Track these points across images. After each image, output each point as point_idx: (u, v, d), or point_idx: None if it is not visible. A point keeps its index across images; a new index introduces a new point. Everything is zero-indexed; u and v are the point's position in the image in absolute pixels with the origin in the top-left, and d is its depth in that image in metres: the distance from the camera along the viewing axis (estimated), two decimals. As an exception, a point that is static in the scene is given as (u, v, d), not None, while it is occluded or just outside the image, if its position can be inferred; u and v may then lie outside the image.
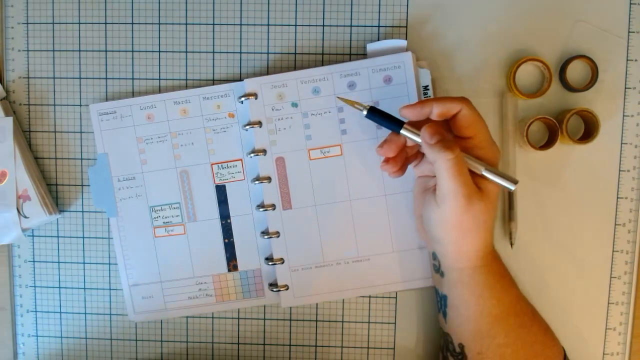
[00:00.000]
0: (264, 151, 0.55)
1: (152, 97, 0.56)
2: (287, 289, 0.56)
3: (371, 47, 0.55)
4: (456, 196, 0.46)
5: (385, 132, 0.53)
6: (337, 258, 0.55)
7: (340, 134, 0.55)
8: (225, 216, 0.57)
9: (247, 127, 0.55)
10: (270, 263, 0.55)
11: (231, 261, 0.57)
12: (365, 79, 0.54)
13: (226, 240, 0.57)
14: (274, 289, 0.56)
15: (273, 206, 0.55)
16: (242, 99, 0.55)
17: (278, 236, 0.55)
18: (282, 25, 0.56)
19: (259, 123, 0.55)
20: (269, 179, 0.55)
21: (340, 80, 0.54)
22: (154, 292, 0.57)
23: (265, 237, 0.55)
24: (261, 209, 0.55)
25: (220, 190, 0.56)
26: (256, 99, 0.55)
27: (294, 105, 0.55)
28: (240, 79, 0.57)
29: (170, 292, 0.57)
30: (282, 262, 0.55)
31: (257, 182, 0.55)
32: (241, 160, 0.56)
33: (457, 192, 0.46)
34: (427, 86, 0.54)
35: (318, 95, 0.54)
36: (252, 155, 0.55)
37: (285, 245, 0.55)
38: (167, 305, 0.57)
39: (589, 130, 0.55)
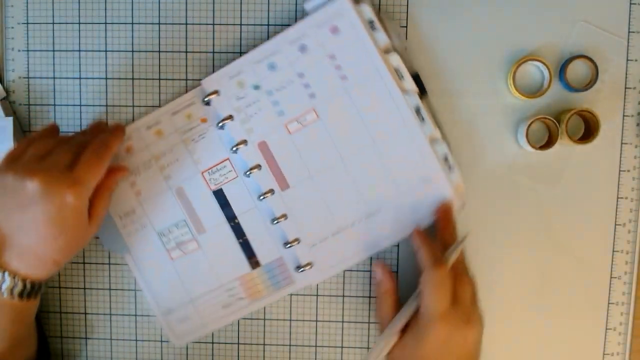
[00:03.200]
0: (245, 142, 0.55)
1: (126, 130, 0.56)
2: (311, 267, 0.55)
3: (308, 5, 0.54)
4: None
5: (358, 93, 0.54)
6: (349, 220, 0.55)
7: (309, 98, 0.54)
8: (231, 218, 0.56)
9: (221, 124, 0.55)
10: (288, 246, 0.55)
11: (251, 258, 0.56)
12: (313, 37, 0.54)
13: (240, 240, 0.56)
14: (300, 270, 0.55)
15: (272, 191, 0.55)
16: (206, 99, 0.55)
17: (286, 218, 0.55)
18: (282, 25, 0.56)
19: (230, 117, 0.54)
20: (258, 166, 0.55)
21: (290, 48, 0.54)
22: (189, 312, 0.57)
23: (275, 223, 0.55)
24: (262, 198, 0.55)
25: (219, 195, 0.56)
26: (219, 95, 0.54)
27: (256, 87, 0.54)
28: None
29: (203, 307, 0.57)
30: (299, 242, 0.55)
31: (249, 173, 0.55)
32: (227, 159, 0.56)
33: None
34: (372, 20, 0.53)
35: (275, 70, 0.54)
36: (234, 149, 0.55)
37: (296, 224, 0.55)
38: (205, 321, 0.57)
39: (589, 130, 0.55)
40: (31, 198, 0.46)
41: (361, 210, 0.55)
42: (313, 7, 0.54)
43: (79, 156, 0.49)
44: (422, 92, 0.55)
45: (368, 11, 0.53)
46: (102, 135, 0.52)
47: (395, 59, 0.53)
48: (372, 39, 0.53)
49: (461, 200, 0.54)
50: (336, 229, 0.55)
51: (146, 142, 0.56)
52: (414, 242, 0.53)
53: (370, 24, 0.53)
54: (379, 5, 0.56)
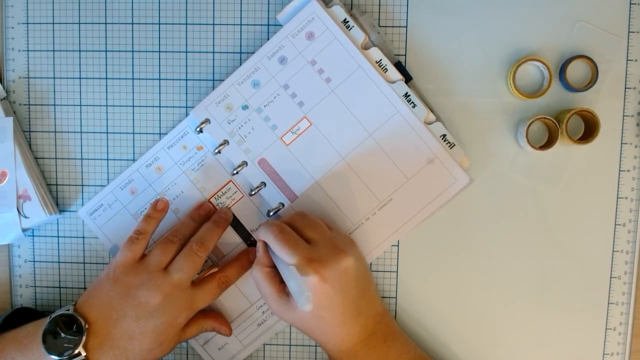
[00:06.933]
0: (245, 163, 0.55)
1: (126, 173, 0.57)
2: None
3: (281, 16, 0.55)
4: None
5: (351, 92, 0.54)
6: (363, 215, 0.55)
7: (298, 107, 0.55)
8: (246, 237, 0.57)
9: (217, 150, 0.55)
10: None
11: None
12: (291, 47, 0.54)
13: None
14: None
15: (281, 205, 0.55)
16: (199, 129, 0.55)
17: None
18: (282, 25, 0.56)
19: (226, 142, 0.55)
20: (263, 184, 0.55)
21: (270, 62, 0.54)
22: (226, 338, 0.57)
23: None
24: (272, 213, 0.55)
25: None
26: (210, 123, 0.55)
27: (245, 107, 0.55)
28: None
29: (239, 329, 0.57)
30: None
31: (254, 192, 0.55)
32: (231, 181, 0.56)
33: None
34: (346, 19, 0.54)
35: (259, 86, 0.55)
36: (236, 172, 0.55)
37: None
38: (244, 343, 0.57)
39: (589, 130, 0.55)
40: (150, 312, 0.49)
41: (373, 204, 0.55)
42: (285, 18, 0.55)
43: (201, 282, 0.52)
44: (408, 78, 0.55)
45: (340, 11, 0.54)
46: (234, 265, 0.55)
47: (376, 53, 0.54)
48: (349, 38, 0.54)
49: (468, 176, 0.54)
50: (352, 226, 0.55)
51: (149, 181, 0.57)
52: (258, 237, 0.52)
53: (345, 23, 0.54)
54: (379, 6, 0.56)
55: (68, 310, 0.49)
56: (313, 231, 0.51)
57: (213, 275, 0.53)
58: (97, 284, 0.51)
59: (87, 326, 0.49)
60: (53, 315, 0.49)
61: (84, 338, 0.48)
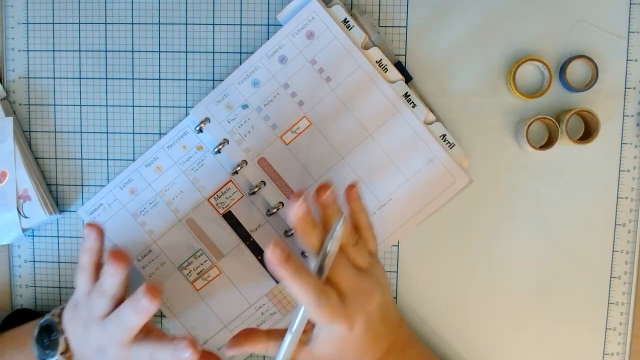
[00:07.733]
0: (244, 162, 0.55)
1: (125, 173, 0.57)
2: None
3: (281, 16, 0.55)
4: None
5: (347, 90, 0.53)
6: None
7: (298, 106, 0.55)
8: (245, 237, 0.57)
9: (217, 149, 0.55)
10: (306, 254, 0.55)
11: None
12: (291, 46, 0.54)
13: (259, 257, 0.56)
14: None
15: (281, 204, 0.55)
16: (198, 128, 0.55)
17: None
18: (282, 25, 0.56)
19: (226, 141, 0.55)
20: (263, 183, 0.55)
21: (270, 61, 0.54)
22: (226, 338, 0.56)
23: (289, 234, 0.55)
24: (271, 213, 0.55)
25: (229, 217, 0.56)
26: (210, 122, 0.55)
27: (245, 107, 0.55)
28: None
29: (237, 330, 0.57)
30: None
31: (254, 191, 0.55)
32: (230, 180, 0.56)
33: None
34: (346, 19, 0.54)
35: (259, 86, 0.55)
36: (235, 171, 0.55)
37: None
38: None
39: (589, 130, 0.55)
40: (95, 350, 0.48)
41: (373, 204, 0.55)
42: (285, 18, 0.55)
43: (144, 339, 0.47)
44: (408, 78, 0.55)
45: (341, 11, 0.54)
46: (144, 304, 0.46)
47: (376, 53, 0.54)
48: (350, 38, 0.54)
49: (468, 176, 0.54)
50: None
51: (148, 180, 0.57)
52: (276, 271, 0.44)
53: (345, 23, 0.54)
54: (379, 6, 0.56)
55: (52, 315, 0.51)
56: (342, 277, 0.46)
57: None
58: (72, 298, 0.51)
59: (65, 336, 0.50)
60: (44, 319, 0.50)
61: (60, 347, 0.49)
